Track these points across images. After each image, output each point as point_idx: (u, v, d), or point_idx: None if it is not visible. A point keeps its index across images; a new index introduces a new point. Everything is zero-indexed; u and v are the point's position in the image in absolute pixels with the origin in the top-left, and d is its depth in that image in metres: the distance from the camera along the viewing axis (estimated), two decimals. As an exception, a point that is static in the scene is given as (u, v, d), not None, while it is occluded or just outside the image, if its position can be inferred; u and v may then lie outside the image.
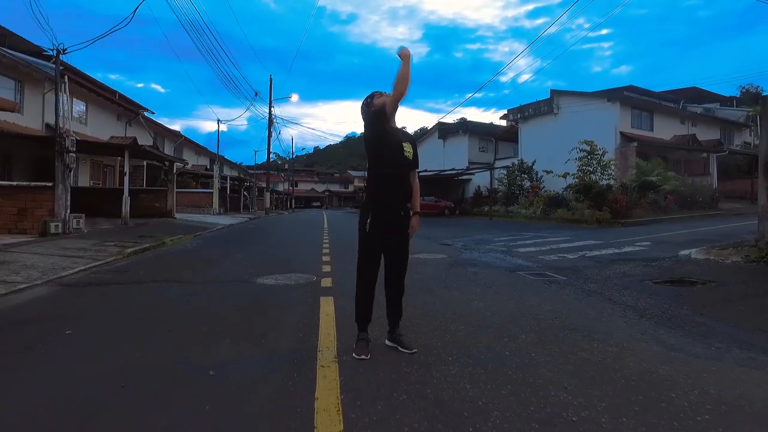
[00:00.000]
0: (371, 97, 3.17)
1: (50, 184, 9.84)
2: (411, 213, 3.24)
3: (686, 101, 30.89)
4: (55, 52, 10.16)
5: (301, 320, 4.01)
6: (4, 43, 15.62)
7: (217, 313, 4.30)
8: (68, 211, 9.98)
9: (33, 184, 10.12)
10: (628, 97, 25.56)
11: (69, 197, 10.00)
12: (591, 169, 20.73)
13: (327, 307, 4.45)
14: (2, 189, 9.88)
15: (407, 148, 3.17)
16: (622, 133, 23.83)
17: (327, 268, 7.02)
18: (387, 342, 3.27)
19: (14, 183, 10.15)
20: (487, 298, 5.06)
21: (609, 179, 20.58)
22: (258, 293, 5.27)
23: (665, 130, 26.12)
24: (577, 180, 20.88)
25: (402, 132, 3.30)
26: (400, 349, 3.15)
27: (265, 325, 3.89)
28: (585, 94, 26.67)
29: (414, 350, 3.11)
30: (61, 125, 11.08)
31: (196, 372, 2.77)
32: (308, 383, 2.59)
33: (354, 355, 3.01)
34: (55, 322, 3.98)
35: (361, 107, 3.22)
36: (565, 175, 21.62)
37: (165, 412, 2.25)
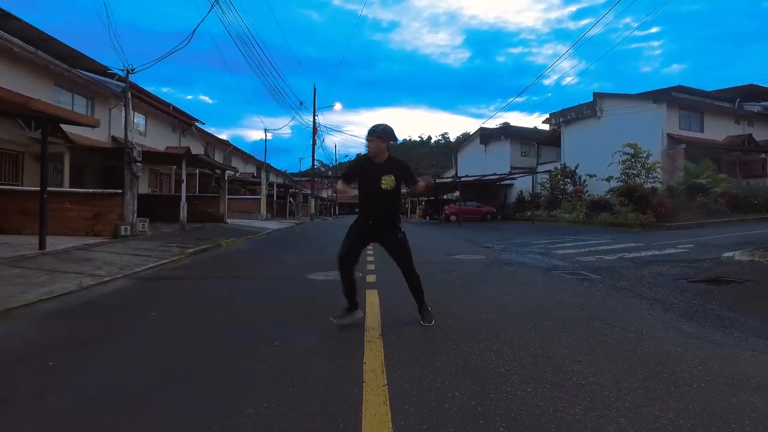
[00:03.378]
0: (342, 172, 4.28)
1: (120, 191, 10.87)
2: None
3: (742, 100, 29.54)
4: (125, 72, 11.24)
5: (348, 308, 4.52)
6: (77, 65, 17.16)
7: (275, 302, 4.88)
8: (135, 215, 10.98)
9: (105, 191, 11.20)
10: (675, 97, 24.86)
11: (136, 203, 11.01)
12: (635, 172, 20.33)
13: (372, 297, 4.94)
14: (79, 196, 11.01)
15: (386, 180, 3.85)
16: (669, 135, 23.23)
17: (371, 267, 7.53)
18: (419, 314, 4.00)
19: (90, 191, 11.27)
20: (519, 292, 5.41)
21: (654, 182, 20.14)
22: (309, 286, 5.83)
23: (717, 130, 25.19)
24: (621, 183, 20.55)
25: (387, 165, 3.92)
26: (421, 321, 3.89)
27: (318, 311, 4.42)
28: (629, 96, 26.13)
29: (429, 323, 3.83)
30: (120, 137, 12.18)
31: (265, 343, 3.32)
32: (358, 353, 3.08)
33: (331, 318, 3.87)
34: (140, 307, 4.67)
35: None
36: (608, 179, 21.28)
37: (246, 372, 2.79)
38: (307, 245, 12.35)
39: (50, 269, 6.53)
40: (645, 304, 4.84)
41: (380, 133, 3.87)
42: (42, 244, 7.90)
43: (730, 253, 8.86)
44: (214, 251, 9.97)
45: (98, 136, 17.48)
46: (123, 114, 17.55)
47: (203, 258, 8.86)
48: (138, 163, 11.09)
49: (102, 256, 8.01)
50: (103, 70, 19.02)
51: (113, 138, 18.13)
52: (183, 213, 14.06)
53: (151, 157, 17.33)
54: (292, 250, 10.86)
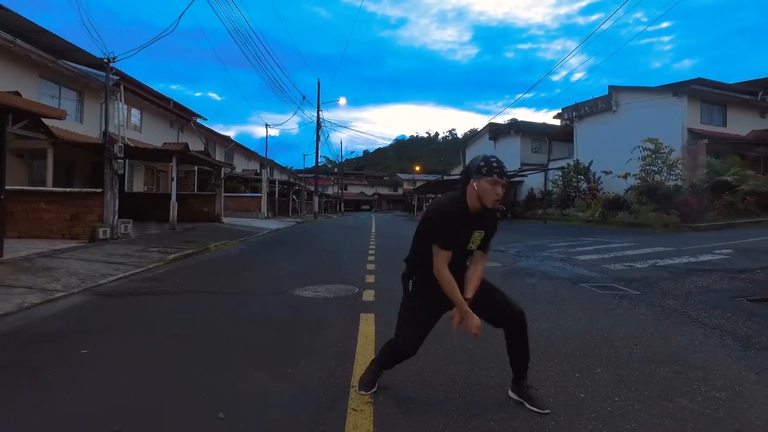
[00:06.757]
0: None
1: (99, 191, 9.96)
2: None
3: (765, 93, 28.11)
4: (106, 60, 10.32)
5: (336, 344, 3.53)
6: (72, 59, 16.29)
7: (246, 333, 3.91)
8: (116, 216, 10.07)
9: (84, 190, 10.29)
10: (696, 90, 23.52)
11: (117, 203, 10.09)
12: (656, 169, 19.19)
13: (367, 327, 3.95)
14: (57, 195, 10.10)
15: (476, 237, 2.45)
16: (690, 130, 21.94)
17: (371, 279, 6.55)
18: (510, 393, 2.55)
19: (67, 189, 10.35)
20: (550, 317, 4.40)
21: (676, 180, 18.99)
22: (293, 308, 4.85)
23: (741, 125, 23.83)
24: (640, 181, 19.42)
25: (481, 216, 2.43)
26: (528, 405, 2.41)
27: (295, 349, 3.44)
28: (647, 89, 24.86)
29: (547, 411, 2.35)
30: (112, 132, 11.32)
31: (205, 413, 2.34)
32: (336, 426, 2.10)
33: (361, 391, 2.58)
34: (76, 339, 3.71)
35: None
36: (625, 176, 20.18)
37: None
38: (307, 248, 11.38)
39: (-4, 282, 5.61)
40: (713, 336, 3.82)
41: (506, 172, 2.41)
42: (-1, 251, 6.98)
43: (781, 261, 7.82)
44: (199, 257, 9.02)
45: (88, 131, 16.60)
46: (114, 108, 16.73)
47: (184, 265, 7.91)
48: (119, 160, 10.16)
49: (67, 264, 7.08)
50: (100, 65, 18.19)
51: (105, 134, 17.25)
52: (173, 213, 13.13)
53: (142, 153, 16.45)
54: (287, 255, 9.90)
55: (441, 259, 2.34)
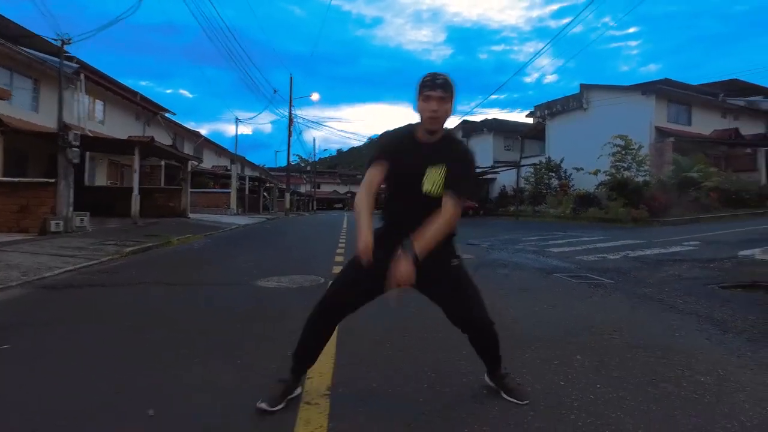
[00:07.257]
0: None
1: (52, 181, 9.36)
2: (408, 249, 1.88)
3: (726, 94, 29.00)
4: (59, 42, 9.72)
5: (294, 333, 3.23)
6: (28, 45, 15.37)
7: (197, 324, 3.58)
8: (71, 208, 9.49)
9: (35, 180, 9.68)
10: (663, 90, 24.08)
11: (72, 194, 9.51)
12: (625, 165, 19.49)
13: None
14: (4, 186, 9.46)
15: (433, 174, 2.00)
16: (657, 128, 22.43)
17: (337, 270, 6.26)
18: (486, 378, 2.30)
19: (15, 180, 9.69)
20: (524, 305, 4.21)
21: (645, 176, 19.34)
22: (254, 298, 4.53)
23: (705, 124, 24.54)
24: (610, 177, 19.71)
25: (439, 147, 2.05)
26: (504, 395, 2.18)
27: (248, 339, 3.14)
28: (617, 87, 25.32)
29: (525, 401, 2.11)
30: (73, 123, 10.69)
31: (133, 411, 2.02)
32: (287, 422, 1.82)
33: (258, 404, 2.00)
34: (4, 332, 3.31)
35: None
36: (596, 173, 20.45)
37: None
38: (274, 243, 11.01)
39: (-75, 275, 5.09)
40: (690, 321, 3.69)
41: (451, 87, 1.99)
42: (-67, 243, 6.40)
43: (747, 252, 7.90)
44: (159, 250, 8.55)
45: (45, 121, 15.71)
46: (74, 98, 15.90)
47: (141, 259, 7.46)
48: (75, 149, 9.58)
49: (9, 257, 6.55)
50: (59, 52, 17.24)
51: (65, 125, 16.38)
52: (135, 206, 12.53)
53: (102, 144, 15.70)
54: (253, 249, 9.52)
55: (365, 178, 2.02)
